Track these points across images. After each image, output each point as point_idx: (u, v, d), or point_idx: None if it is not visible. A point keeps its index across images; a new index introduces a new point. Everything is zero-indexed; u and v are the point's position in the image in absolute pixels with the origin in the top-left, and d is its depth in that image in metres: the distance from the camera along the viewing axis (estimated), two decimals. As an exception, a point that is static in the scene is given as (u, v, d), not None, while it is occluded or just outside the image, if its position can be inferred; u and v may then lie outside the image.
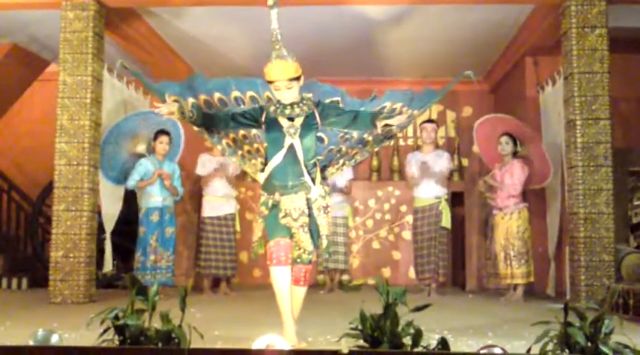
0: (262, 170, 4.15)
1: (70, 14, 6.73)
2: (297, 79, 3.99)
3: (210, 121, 4.13)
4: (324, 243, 4.05)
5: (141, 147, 7.32)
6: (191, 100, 4.23)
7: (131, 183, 7.11)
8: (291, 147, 3.99)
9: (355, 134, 4.41)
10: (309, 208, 4.04)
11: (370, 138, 4.37)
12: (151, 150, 7.27)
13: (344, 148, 4.44)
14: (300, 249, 4.05)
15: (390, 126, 4.09)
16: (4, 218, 9.88)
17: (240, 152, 4.36)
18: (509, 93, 9.34)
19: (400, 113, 4.25)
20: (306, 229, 3.99)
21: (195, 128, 4.20)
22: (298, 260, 4.06)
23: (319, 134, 4.30)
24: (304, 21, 7.46)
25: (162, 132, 7.20)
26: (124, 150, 7.35)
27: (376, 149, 4.58)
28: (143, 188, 7.11)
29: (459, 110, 10.28)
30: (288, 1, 6.73)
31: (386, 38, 8.24)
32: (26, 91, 9.70)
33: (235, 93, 4.45)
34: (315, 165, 4.12)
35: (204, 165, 7.78)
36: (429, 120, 7.97)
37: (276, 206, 4.03)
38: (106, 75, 7.18)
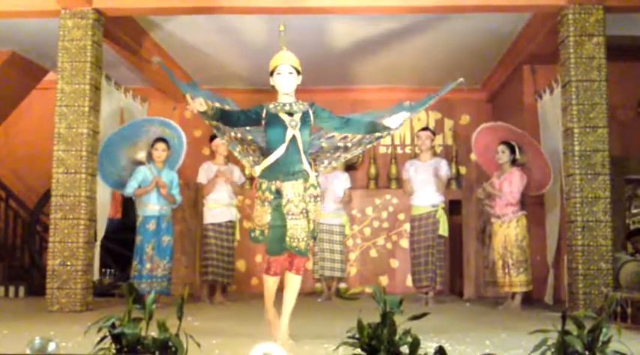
0: (256, 163, 4.60)
1: (68, 22, 6.74)
2: (298, 72, 4.56)
3: (227, 118, 4.53)
4: (311, 226, 4.45)
5: (141, 155, 7.31)
6: (210, 103, 4.54)
7: (129, 190, 7.10)
8: (293, 138, 4.43)
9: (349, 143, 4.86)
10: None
11: (360, 148, 4.89)
12: (150, 158, 7.27)
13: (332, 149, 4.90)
14: (295, 239, 4.38)
15: (390, 129, 4.66)
16: (1, 226, 9.85)
17: (239, 148, 4.77)
18: (507, 102, 9.36)
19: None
20: (304, 214, 4.41)
21: (210, 122, 4.57)
22: (296, 250, 4.40)
23: (322, 144, 4.81)
24: (302, 29, 7.48)
25: (158, 139, 7.17)
26: (124, 155, 7.34)
27: (368, 147, 5.01)
28: (140, 195, 7.10)
29: (457, 118, 10.30)
30: (287, 10, 6.77)
31: (384, 46, 8.26)
32: (24, 99, 9.71)
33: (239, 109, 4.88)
34: (309, 155, 4.59)
35: (206, 173, 7.77)
36: (424, 129, 7.96)
37: (278, 203, 4.41)
38: (104, 83, 7.19)
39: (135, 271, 7.01)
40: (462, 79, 4.71)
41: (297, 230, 4.37)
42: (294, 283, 4.52)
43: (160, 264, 7.08)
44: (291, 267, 4.50)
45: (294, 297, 4.52)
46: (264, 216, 4.45)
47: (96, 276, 7.36)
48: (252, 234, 4.56)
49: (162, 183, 7.10)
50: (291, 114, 4.47)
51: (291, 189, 4.41)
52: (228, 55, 8.58)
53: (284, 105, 4.51)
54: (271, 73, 4.54)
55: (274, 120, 4.46)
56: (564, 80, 6.59)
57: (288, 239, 4.37)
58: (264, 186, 4.46)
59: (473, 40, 7.94)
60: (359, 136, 4.76)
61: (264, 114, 4.48)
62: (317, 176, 4.59)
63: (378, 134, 4.73)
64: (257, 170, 4.53)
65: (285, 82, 4.50)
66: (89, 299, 6.68)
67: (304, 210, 4.41)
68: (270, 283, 4.52)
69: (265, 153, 4.54)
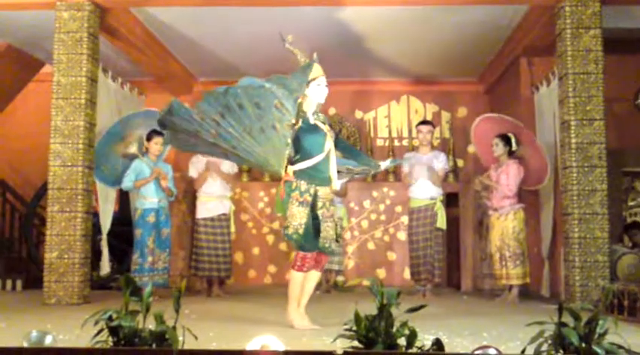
0: (291, 163, 4.81)
1: (64, 14, 6.72)
2: None
3: None
4: (338, 230, 4.94)
5: (132, 148, 7.29)
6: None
7: (128, 183, 7.07)
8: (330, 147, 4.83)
9: None
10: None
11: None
12: (142, 151, 7.24)
13: None
14: (327, 240, 4.82)
15: (378, 168, 5.24)
16: (-2, 219, 9.85)
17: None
18: (504, 94, 9.36)
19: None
20: (332, 217, 4.88)
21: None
22: (329, 250, 4.86)
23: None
24: (298, 22, 7.46)
25: (156, 132, 7.11)
26: (115, 152, 7.32)
27: None
28: (140, 187, 7.08)
29: (454, 111, 10.28)
30: (284, 2, 6.75)
31: (380, 39, 8.24)
32: (20, 92, 9.68)
33: None
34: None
35: (195, 165, 7.72)
36: (424, 122, 7.94)
37: (314, 205, 4.78)
38: (101, 76, 7.16)
39: (135, 265, 6.99)
40: (380, 164, 5.21)
41: (329, 232, 4.81)
42: (316, 279, 4.98)
43: (160, 256, 7.08)
44: (318, 266, 4.88)
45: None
46: (302, 216, 4.73)
47: (105, 270, 7.37)
48: (286, 232, 4.78)
49: (164, 175, 7.10)
50: (323, 123, 4.87)
51: (324, 194, 4.83)
52: (225, 46, 8.55)
53: (318, 114, 4.89)
54: (312, 79, 4.82)
55: (313, 128, 4.81)
56: (561, 73, 6.59)
57: (321, 240, 4.78)
58: (303, 187, 4.76)
59: (470, 32, 7.92)
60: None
61: (297, 113, 4.71)
62: None
63: (357, 169, 5.18)
64: (290, 169, 4.78)
65: (325, 93, 4.90)
66: (86, 291, 6.68)
67: (332, 214, 4.89)
68: (301, 279, 4.82)
69: (304, 156, 4.79)
